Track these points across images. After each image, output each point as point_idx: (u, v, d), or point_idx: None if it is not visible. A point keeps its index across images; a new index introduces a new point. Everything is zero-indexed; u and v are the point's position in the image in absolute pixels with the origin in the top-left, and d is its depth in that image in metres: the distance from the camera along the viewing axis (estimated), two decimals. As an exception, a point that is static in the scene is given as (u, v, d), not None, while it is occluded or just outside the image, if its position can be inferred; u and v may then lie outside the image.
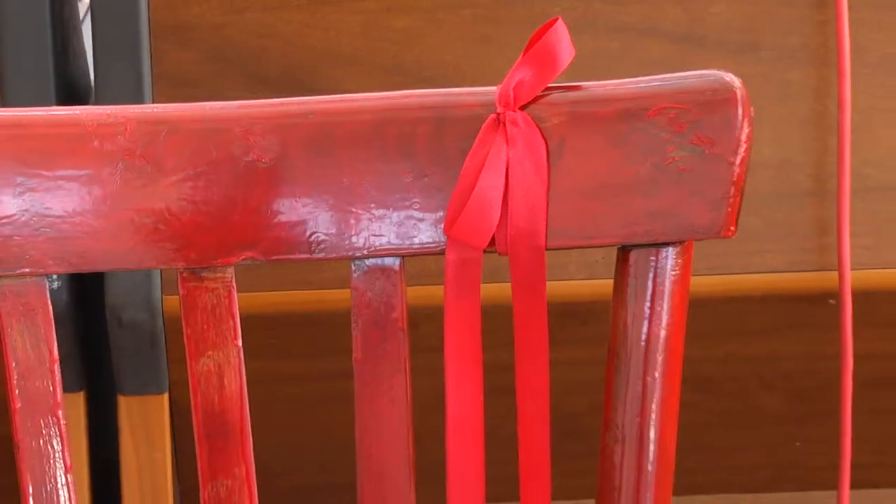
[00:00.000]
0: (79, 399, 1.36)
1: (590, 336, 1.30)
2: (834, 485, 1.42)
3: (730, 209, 0.96)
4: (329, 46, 1.30)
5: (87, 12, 1.30)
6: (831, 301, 1.33)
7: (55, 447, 0.98)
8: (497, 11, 1.30)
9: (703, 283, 1.30)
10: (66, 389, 1.34)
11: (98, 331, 1.34)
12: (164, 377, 1.33)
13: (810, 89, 1.31)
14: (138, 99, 1.30)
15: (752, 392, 1.40)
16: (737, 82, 0.95)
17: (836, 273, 1.32)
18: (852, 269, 1.32)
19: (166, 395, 1.34)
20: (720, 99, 0.95)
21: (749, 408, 1.41)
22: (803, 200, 1.32)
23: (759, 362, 1.37)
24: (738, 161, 0.95)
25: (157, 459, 1.34)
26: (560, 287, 1.28)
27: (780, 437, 1.43)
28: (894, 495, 1.47)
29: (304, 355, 1.31)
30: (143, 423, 1.34)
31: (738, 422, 1.41)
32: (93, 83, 1.33)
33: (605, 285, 1.32)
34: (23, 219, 0.96)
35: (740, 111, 0.95)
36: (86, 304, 1.34)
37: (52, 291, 1.29)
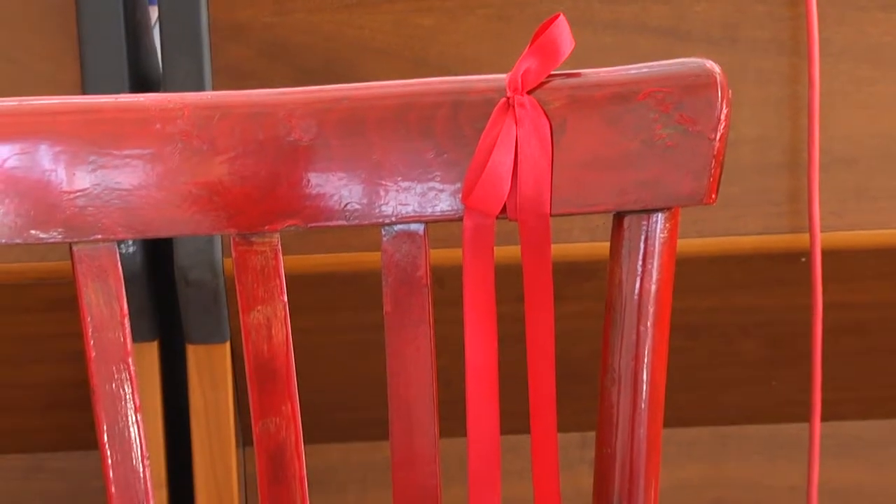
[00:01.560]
0: (153, 348, 1.35)
1: (592, 292, 1.28)
2: (806, 418, 1.40)
3: (711, 179, 0.94)
4: (364, 42, 1.28)
5: (157, 17, 1.29)
6: (802, 259, 1.31)
7: (126, 391, 0.97)
8: (508, 11, 1.29)
9: (692, 244, 1.29)
10: (141, 339, 1.35)
11: (169, 289, 1.33)
12: (225, 328, 1.32)
13: (783, 76, 1.30)
14: (200, 89, 1.29)
15: (733, 339, 1.39)
16: (716, 69, 0.93)
17: (806, 235, 1.31)
18: (821, 232, 1.30)
19: (228, 344, 1.32)
20: (701, 83, 0.94)
21: (730, 352, 1.39)
22: (777, 172, 1.30)
23: (740, 313, 1.36)
24: (717, 137, 0.94)
25: (220, 400, 1.33)
26: (566, 249, 1.27)
27: (757, 378, 1.41)
28: (857, 425, 1.45)
29: (341, 309, 1.30)
30: (209, 369, 1.33)
31: (720, 364, 1.39)
32: (161, 79, 1.31)
33: (606, 247, 1.30)
34: (95, 192, 0.95)
35: (719, 93, 0.93)
36: (158, 265, 1.33)
37: (127, 255, 1.30)
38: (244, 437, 1.37)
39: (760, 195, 1.30)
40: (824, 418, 1.38)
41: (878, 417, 1.46)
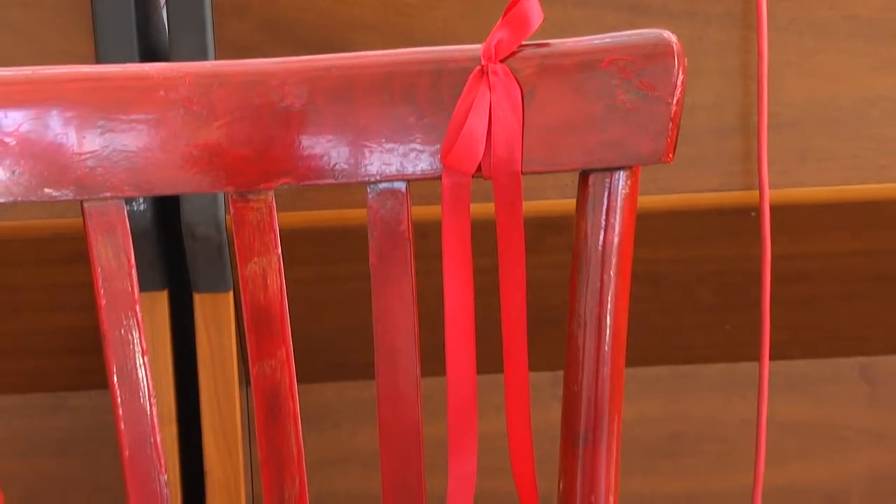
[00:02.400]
0: (163, 297, 1.34)
1: (562, 245, 1.27)
2: (756, 357, 1.39)
3: (669, 140, 0.93)
4: (355, 18, 1.27)
5: (165, -2, 1.28)
6: (752, 214, 1.30)
7: (133, 336, 0.96)
8: None
9: (653, 200, 1.28)
10: (151, 289, 1.33)
11: (177, 243, 1.32)
12: (228, 278, 1.31)
13: (735, 47, 1.29)
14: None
15: (690, 286, 1.37)
16: (673, 39, 0.93)
17: (756, 192, 1.30)
18: (769, 189, 1.29)
19: (231, 293, 1.32)
20: (659, 52, 0.93)
21: (687, 298, 1.38)
22: (730, 135, 1.29)
23: (695, 263, 1.34)
24: (674, 101, 0.93)
25: (224, 344, 1.32)
26: (539, 205, 1.26)
27: (711, 322, 1.40)
28: (802, 364, 1.44)
29: (331, 261, 1.29)
30: (213, 316, 1.32)
31: (678, 309, 1.38)
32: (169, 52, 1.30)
33: (572, 203, 1.29)
34: (104, 153, 0.94)
35: (676, 62, 0.92)
36: (167, 222, 1.31)
37: (138, 212, 1.28)
38: (246, 377, 1.35)
39: (715, 156, 1.29)
40: (772, 358, 1.37)
41: (821, 357, 1.45)
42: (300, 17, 1.27)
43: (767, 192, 1.27)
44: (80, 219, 1.22)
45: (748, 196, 1.30)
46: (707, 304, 1.39)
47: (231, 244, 1.28)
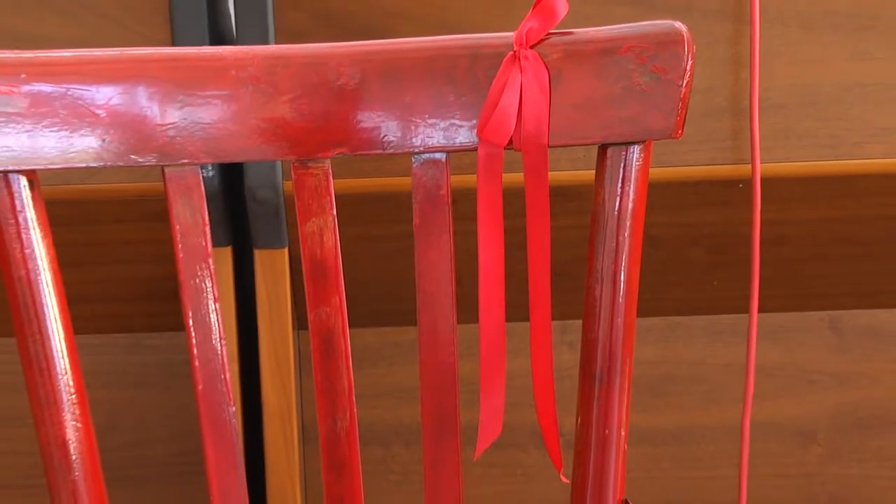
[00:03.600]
0: (227, 252, 1.32)
1: (574, 210, 1.25)
2: (738, 310, 1.39)
3: (678, 118, 0.91)
4: (394, 9, 1.25)
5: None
6: (740, 185, 1.28)
7: (206, 285, 0.94)
8: None
9: (654, 172, 1.25)
10: (217, 245, 1.31)
11: (240, 205, 1.30)
12: (284, 236, 1.29)
13: (728, 38, 1.27)
14: (265, 46, 1.25)
15: (683, 247, 1.35)
16: (683, 28, 0.91)
17: (744, 165, 1.28)
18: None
19: (286, 249, 1.29)
20: (671, 40, 0.91)
21: (680, 258, 1.36)
22: (722, 115, 1.27)
23: (690, 227, 1.32)
24: (684, 84, 0.91)
25: (280, 294, 1.30)
26: (554, 175, 1.22)
27: (701, 279, 1.38)
28: (779, 316, 1.42)
29: (378, 222, 1.28)
30: (271, 269, 1.30)
31: (674, 267, 1.36)
32: (235, 37, 1.28)
33: (586, 174, 1.26)
34: (182, 125, 0.92)
35: (686, 48, 0.91)
36: (232, 186, 1.29)
37: (207, 178, 1.26)
38: (299, 323, 1.34)
39: (709, 134, 1.27)
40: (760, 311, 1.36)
41: (794, 310, 1.43)
42: (347, 8, 1.24)
43: (759, 166, 1.25)
44: (159, 183, 1.20)
45: (736, 169, 1.28)
46: (697, 263, 1.36)
47: (287, 206, 1.27)
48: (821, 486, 1.46)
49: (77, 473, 0.92)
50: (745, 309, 1.35)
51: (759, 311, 1.37)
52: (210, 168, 1.25)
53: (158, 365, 1.41)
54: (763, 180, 1.27)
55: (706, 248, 1.35)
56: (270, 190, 1.26)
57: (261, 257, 1.29)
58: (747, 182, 1.28)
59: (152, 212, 1.25)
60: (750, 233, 1.31)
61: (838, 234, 1.35)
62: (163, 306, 1.35)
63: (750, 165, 1.27)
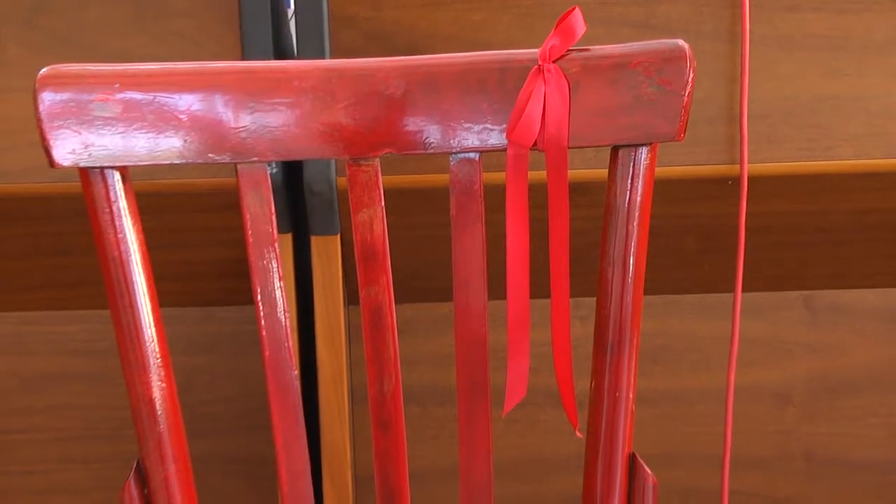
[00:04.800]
0: (288, 238, 1.31)
1: (584, 203, 1.24)
2: (724, 290, 1.37)
3: (681, 123, 0.90)
4: (433, 31, 1.24)
5: (293, 12, 1.24)
6: (729, 182, 1.26)
7: (272, 265, 0.93)
8: (533, 10, 1.24)
9: (656, 171, 1.25)
10: (280, 232, 1.30)
11: (300, 197, 1.29)
12: (337, 225, 1.28)
13: (720, 56, 1.25)
14: (321, 61, 1.24)
15: (678, 236, 1.34)
16: (686, 46, 0.89)
17: (731, 165, 1.26)
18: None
19: (338, 236, 1.28)
20: (676, 56, 0.89)
21: (675, 245, 1.35)
22: (715, 122, 1.26)
23: (684, 218, 1.31)
24: (686, 94, 0.89)
25: (332, 274, 1.29)
26: (569, 173, 1.23)
27: (693, 263, 1.37)
28: (759, 295, 1.41)
29: (422, 213, 1.26)
30: (325, 252, 1.29)
31: (670, 252, 1.35)
32: (296, 55, 1.27)
33: (595, 172, 1.26)
34: (252, 128, 0.91)
35: (688, 64, 0.89)
36: (293, 181, 1.28)
37: (272, 173, 1.25)
38: (349, 299, 1.33)
39: (703, 138, 1.26)
40: (744, 290, 1.34)
41: (773, 290, 1.42)
42: (393, 29, 1.23)
43: (746, 166, 1.23)
44: (230, 178, 1.19)
45: (726, 169, 1.27)
46: (690, 249, 1.35)
47: (340, 199, 1.26)
48: (795, 442, 1.44)
49: (162, 426, 0.91)
50: (731, 288, 1.34)
51: (743, 290, 1.35)
52: (274, 165, 1.24)
53: (228, 334, 1.40)
54: (748, 178, 1.25)
55: (698, 237, 1.34)
56: (325, 185, 1.24)
57: (316, 243, 1.28)
58: (735, 179, 1.26)
59: (225, 203, 1.25)
60: (736, 223, 1.29)
61: (812, 224, 1.34)
62: (232, 284, 1.34)
63: (738, 165, 1.25)
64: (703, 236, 1.34)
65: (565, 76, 0.89)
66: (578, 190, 1.26)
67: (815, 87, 1.26)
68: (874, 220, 1.34)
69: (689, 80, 0.88)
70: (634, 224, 0.91)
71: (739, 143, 1.23)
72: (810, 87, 1.26)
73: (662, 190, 1.27)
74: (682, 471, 1.43)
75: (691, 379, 1.43)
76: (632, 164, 0.90)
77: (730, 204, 1.28)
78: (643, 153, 0.90)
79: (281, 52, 1.26)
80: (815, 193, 1.30)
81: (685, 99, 0.88)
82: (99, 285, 1.35)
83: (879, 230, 1.35)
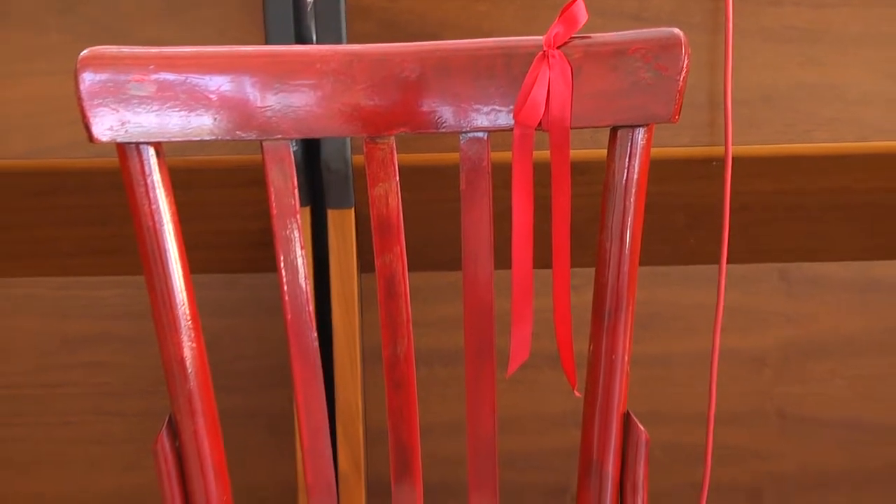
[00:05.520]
0: (307, 211, 1.29)
1: (582, 181, 1.22)
2: (708, 261, 1.35)
3: (676, 106, 0.87)
4: (444, 20, 1.22)
5: (313, 3, 1.21)
6: (714, 163, 1.24)
7: (295, 235, 0.91)
8: (537, 1, 1.21)
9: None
10: (301, 205, 1.28)
11: (317, 174, 1.26)
12: (351, 199, 1.26)
13: (707, 46, 1.23)
14: (339, 48, 1.21)
15: (667, 212, 1.32)
16: (681, 34, 0.86)
17: (715, 147, 1.25)
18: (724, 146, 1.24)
19: (353, 210, 1.26)
20: (672, 43, 0.87)
21: (664, 220, 1.33)
22: (702, 108, 1.24)
23: (672, 196, 1.29)
24: (681, 79, 0.87)
25: (347, 245, 1.27)
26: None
27: (682, 237, 1.35)
28: (739, 267, 1.39)
29: (433, 188, 1.24)
30: (340, 225, 1.27)
31: (658, 228, 1.33)
32: (315, 43, 1.24)
33: (592, 152, 1.23)
34: (277, 108, 0.88)
35: (683, 51, 0.87)
36: (311, 158, 1.26)
37: (293, 151, 1.23)
38: (361, 268, 1.30)
39: (690, 122, 1.24)
40: (716, 262, 1.32)
41: (751, 262, 1.40)
42: (406, 19, 1.21)
43: (731, 148, 1.21)
44: (254, 155, 1.17)
45: (711, 150, 1.25)
46: (677, 224, 1.33)
47: (355, 175, 1.23)
48: (769, 401, 1.43)
49: (192, 383, 0.89)
50: (714, 261, 1.32)
51: (730, 262, 1.33)
52: (294, 143, 1.22)
53: (250, 299, 1.38)
54: (732, 159, 1.23)
55: (685, 213, 1.32)
56: (342, 162, 1.22)
57: (333, 216, 1.26)
58: (720, 160, 1.24)
59: (249, 179, 1.23)
60: (720, 201, 1.27)
61: (789, 202, 1.32)
62: (255, 253, 1.32)
63: (723, 147, 1.23)
64: (690, 213, 1.32)
65: (568, 61, 0.87)
66: (577, 169, 1.23)
67: (793, 75, 1.24)
68: (846, 200, 1.32)
69: (684, 65, 0.85)
70: (632, 199, 0.89)
71: (724, 127, 1.21)
72: (789, 76, 1.24)
73: (653, 169, 1.24)
74: (666, 427, 1.42)
75: (676, 344, 1.41)
76: (629, 143, 0.88)
77: (715, 183, 1.26)
78: (640, 133, 0.88)
79: (301, 41, 1.23)
80: (792, 174, 1.28)
81: (680, 83, 0.86)
82: (133, 254, 1.34)
83: (851, 209, 1.33)
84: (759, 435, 1.43)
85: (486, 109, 0.89)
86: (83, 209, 1.29)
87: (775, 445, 1.44)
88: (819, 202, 1.32)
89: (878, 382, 1.42)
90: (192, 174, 1.24)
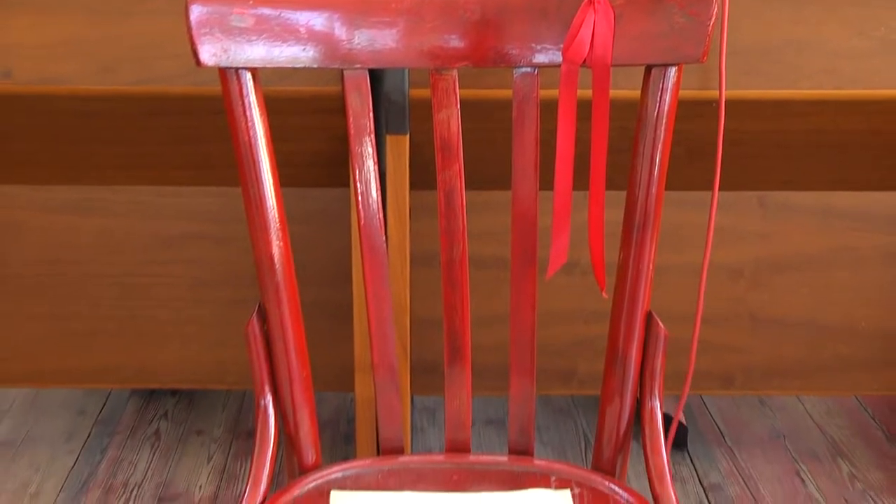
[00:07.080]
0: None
1: (613, 116, 1.13)
2: (701, 188, 1.29)
3: (704, 48, 0.80)
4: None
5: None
6: (713, 104, 1.17)
7: (369, 151, 0.84)
8: None
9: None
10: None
11: (379, 104, 1.18)
12: (407, 126, 1.18)
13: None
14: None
15: (672, 146, 1.23)
16: None
17: (715, 91, 1.16)
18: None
19: (407, 136, 1.19)
20: None
21: (670, 153, 1.25)
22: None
23: (676, 132, 1.21)
24: (710, 23, 0.80)
25: (402, 166, 1.21)
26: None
27: (680, 166, 1.28)
28: (723, 194, 1.32)
29: (488, 118, 1.18)
30: (396, 149, 1.20)
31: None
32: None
33: (621, 91, 1.14)
34: (357, 40, 0.82)
35: None
36: (374, 91, 1.18)
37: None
38: (412, 185, 1.23)
39: (694, 69, 1.16)
40: (706, 189, 1.25)
41: (733, 190, 1.34)
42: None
43: (724, 92, 1.13)
44: (329, 87, 1.09)
45: (711, 93, 1.17)
46: (679, 156, 1.26)
47: (411, 106, 1.16)
48: (743, 306, 1.38)
49: (279, 276, 0.83)
50: (709, 188, 1.25)
51: (710, 189, 1.26)
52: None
53: (318, 210, 1.32)
54: (726, 102, 1.16)
55: (685, 147, 1.25)
56: (400, 94, 1.15)
57: (390, 141, 1.19)
58: (716, 102, 1.16)
59: (324, 108, 1.16)
60: (715, 137, 1.19)
61: (774, 140, 1.24)
62: (324, 171, 1.25)
63: (718, 91, 1.15)
64: (690, 147, 1.25)
65: (612, 7, 0.79)
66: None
67: (784, 32, 1.16)
68: (819, 139, 1.24)
69: (714, 12, 0.78)
70: (662, 129, 0.81)
71: (719, 74, 1.13)
72: (780, 32, 1.16)
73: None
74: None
75: (673, 257, 1.35)
76: (662, 80, 0.81)
77: (711, 122, 1.19)
78: (671, 72, 0.81)
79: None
80: (779, 116, 1.21)
81: (710, 28, 0.78)
82: (223, 168, 1.27)
83: (826, 148, 1.25)
84: (733, 333, 1.38)
85: (538, 47, 0.81)
86: (182, 130, 1.22)
87: (746, 341, 1.39)
88: (797, 141, 1.25)
89: (833, 291, 1.37)
90: (273, 103, 1.16)
